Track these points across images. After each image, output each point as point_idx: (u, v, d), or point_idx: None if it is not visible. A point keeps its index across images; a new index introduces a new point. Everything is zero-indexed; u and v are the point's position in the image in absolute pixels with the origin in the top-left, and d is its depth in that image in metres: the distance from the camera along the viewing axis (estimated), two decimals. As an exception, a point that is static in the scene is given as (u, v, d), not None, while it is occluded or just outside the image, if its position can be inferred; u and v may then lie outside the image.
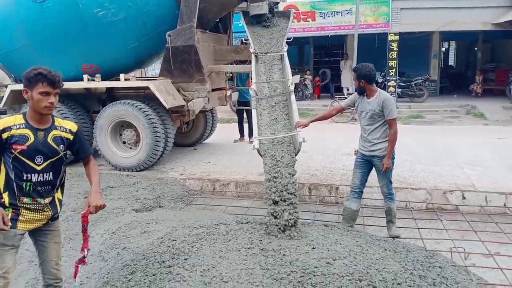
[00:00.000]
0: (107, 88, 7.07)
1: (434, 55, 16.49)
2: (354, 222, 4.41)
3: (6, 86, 7.33)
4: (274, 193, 3.85)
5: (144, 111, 6.44)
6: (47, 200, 2.51)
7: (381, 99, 4.01)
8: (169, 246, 3.43)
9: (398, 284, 2.86)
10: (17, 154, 2.36)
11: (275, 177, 3.97)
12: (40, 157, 2.43)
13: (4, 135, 2.34)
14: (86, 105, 7.45)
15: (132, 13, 6.36)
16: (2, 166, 2.42)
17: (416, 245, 3.98)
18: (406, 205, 5.29)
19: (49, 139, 2.46)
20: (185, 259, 3.18)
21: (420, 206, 5.30)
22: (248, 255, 3.20)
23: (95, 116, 7.05)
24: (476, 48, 17.42)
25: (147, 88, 6.38)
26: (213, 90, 7.24)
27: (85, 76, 6.70)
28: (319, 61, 19.67)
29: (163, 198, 5.47)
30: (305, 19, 15.29)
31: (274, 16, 6.71)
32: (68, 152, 2.60)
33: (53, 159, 2.49)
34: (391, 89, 14.58)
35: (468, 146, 7.79)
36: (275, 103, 5.08)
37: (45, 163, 2.45)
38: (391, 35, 14.38)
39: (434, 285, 2.97)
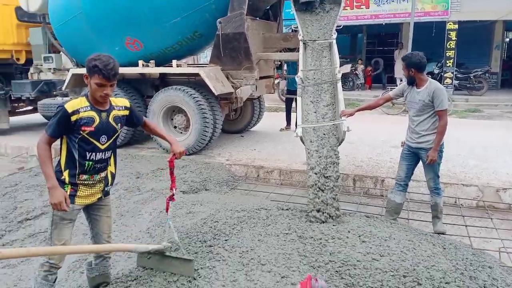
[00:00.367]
0: (160, 74, 7.35)
1: (496, 45, 15.52)
2: (398, 215, 4.34)
3: (68, 70, 7.81)
4: (315, 184, 3.88)
5: (194, 97, 6.63)
6: (102, 175, 2.68)
7: (432, 89, 3.88)
8: (211, 227, 3.57)
9: (446, 283, 2.76)
10: (85, 135, 2.51)
11: (316, 166, 3.98)
12: (104, 136, 2.59)
13: (73, 118, 2.46)
14: (141, 90, 7.77)
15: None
16: (65, 146, 2.57)
17: (463, 243, 3.86)
18: (455, 202, 5.11)
19: (110, 119, 2.62)
20: (226, 240, 3.30)
21: (470, 203, 5.10)
22: (287, 241, 3.27)
23: (148, 100, 7.36)
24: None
25: (197, 74, 6.56)
26: (261, 78, 7.30)
27: (140, 62, 6.99)
28: (372, 51, 19.15)
29: (209, 181, 5.65)
30: (359, 7, 14.90)
31: (325, 3, 6.62)
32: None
33: (113, 138, 2.68)
34: (448, 80, 13.93)
35: (528, 142, 7.34)
36: (321, 91, 5.06)
37: (108, 142, 2.63)
38: (449, 24, 13.67)
39: (484, 287, 2.85)
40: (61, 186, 2.53)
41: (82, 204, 2.66)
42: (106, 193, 2.79)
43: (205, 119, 6.62)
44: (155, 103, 7.00)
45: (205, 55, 15.57)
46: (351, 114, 4.34)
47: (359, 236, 3.37)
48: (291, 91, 8.74)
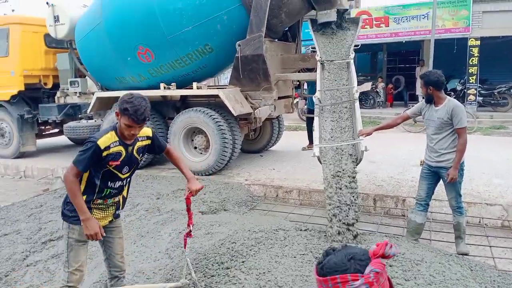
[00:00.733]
0: (181, 96, 7.51)
1: (520, 61, 15.20)
2: (419, 236, 4.25)
3: (93, 94, 8.08)
4: (331, 204, 3.86)
5: (214, 118, 6.74)
6: (116, 199, 2.76)
7: (450, 106, 3.84)
8: (228, 248, 3.59)
9: None
10: (111, 168, 2.58)
11: (334, 186, 3.97)
12: (127, 167, 2.67)
13: (104, 153, 2.52)
14: (162, 112, 7.94)
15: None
16: (86, 174, 2.59)
17: (487, 264, 3.74)
18: (479, 222, 4.97)
19: (134, 152, 2.69)
20: (243, 262, 3.31)
21: (495, 223, 4.95)
22: (304, 262, 3.25)
23: (170, 122, 7.51)
24: None
25: (217, 96, 6.68)
26: (280, 98, 7.37)
27: (162, 85, 7.17)
28: (393, 68, 19.06)
29: (228, 202, 5.68)
30: (378, 25, 14.91)
31: (343, 23, 6.69)
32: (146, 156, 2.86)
33: (134, 167, 2.76)
34: (471, 97, 13.69)
35: (557, 160, 7.10)
36: (339, 111, 5.07)
37: (129, 172, 2.72)
38: (471, 40, 13.52)
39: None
40: (74, 209, 2.59)
41: None
42: (117, 216, 2.85)
43: (225, 139, 6.70)
44: (176, 124, 7.13)
45: (226, 76, 15.83)
46: (368, 134, 4.33)
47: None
48: (312, 110, 8.76)
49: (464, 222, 4.08)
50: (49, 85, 9.25)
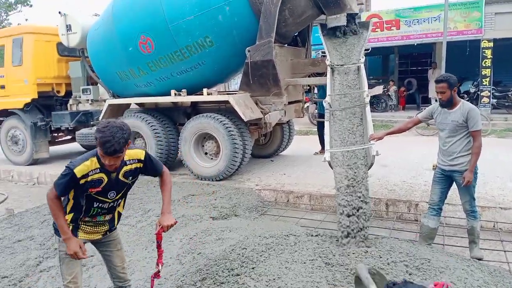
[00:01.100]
0: (191, 102, 7.55)
1: (534, 62, 14.97)
2: (432, 240, 4.19)
3: (105, 101, 8.17)
4: (343, 209, 3.82)
5: (224, 124, 6.75)
6: (107, 218, 2.71)
7: (466, 109, 3.80)
8: (239, 254, 3.57)
9: None
10: (92, 194, 2.52)
11: (344, 191, 3.94)
12: (113, 192, 2.60)
13: (82, 181, 2.45)
14: (173, 118, 7.99)
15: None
16: (72, 193, 2.55)
17: (503, 269, 3.66)
18: (494, 226, 4.88)
19: (120, 176, 2.58)
20: (253, 268, 3.29)
21: (510, 227, 4.85)
22: (314, 268, 3.22)
23: (180, 128, 7.55)
24: None
25: (227, 102, 6.69)
26: (290, 102, 7.36)
27: (172, 92, 7.22)
28: (405, 71, 18.91)
29: (239, 207, 5.67)
30: (389, 28, 14.83)
31: (353, 27, 6.65)
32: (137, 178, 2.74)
33: (123, 191, 2.68)
34: (485, 99, 13.51)
35: None
36: (349, 116, 5.03)
37: (118, 196, 2.65)
38: (484, 42, 13.36)
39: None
40: None
41: (85, 239, 2.69)
42: (111, 230, 2.81)
43: (235, 144, 6.71)
44: (187, 130, 7.17)
45: (236, 82, 15.88)
46: (380, 138, 4.29)
47: (406, 266, 3.22)
48: (322, 114, 8.73)
49: (478, 226, 4.02)
50: (62, 93, 9.38)
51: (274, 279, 3.08)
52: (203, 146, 7.31)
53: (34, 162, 9.41)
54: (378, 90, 12.55)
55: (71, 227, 2.60)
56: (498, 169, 6.58)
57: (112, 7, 7.47)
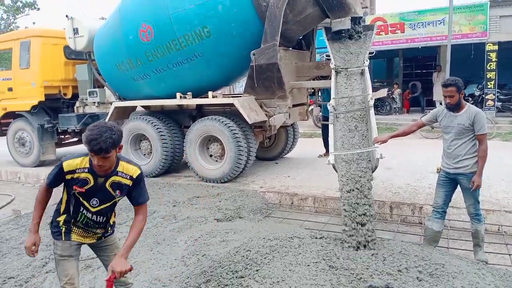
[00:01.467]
0: (197, 105, 7.60)
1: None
2: (437, 244, 4.20)
3: (111, 103, 8.24)
4: (347, 213, 3.85)
5: (229, 126, 6.79)
6: (98, 231, 2.72)
7: (472, 113, 3.82)
8: (243, 256, 3.60)
9: None
10: (76, 193, 2.53)
11: (348, 193, 3.96)
12: (96, 200, 2.54)
13: (68, 177, 2.48)
14: (179, 120, 8.05)
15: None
16: (65, 193, 2.61)
17: (509, 271, 3.67)
18: (498, 229, 4.88)
19: (106, 184, 2.51)
20: (257, 270, 3.31)
21: (515, 230, 4.85)
22: (318, 270, 3.24)
23: (186, 130, 7.60)
24: None
25: (232, 104, 6.74)
26: (294, 105, 7.38)
27: (178, 94, 7.27)
28: (410, 74, 18.88)
29: (243, 209, 5.70)
30: (394, 31, 14.83)
31: (357, 30, 6.68)
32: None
33: (108, 204, 2.60)
34: (490, 102, 13.48)
35: None
36: (354, 119, 5.06)
37: (100, 207, 2.58)
38: (489, 45, 13.33)
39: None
40: (57, 224, 2.65)
41: (79, 241, 2.69)
42: (106, 235, 2.80)
43: (240, 147, 6.75)
44: (192, 133, 7.21)
45: (241, 85, 15.94)
46: (384, 141, 4.30)
47: (420, 272, 3.20)
48: (327, 117, 8.75)
49: (482, 229, 4.02)
50: (69, 96, 9.46)
51: (278, 281, 3.10)
52: (208, 148, 7.35)
53: (41, 163, 9.49)
54: (382, 93, 12.54)
55: (63, 229, 2.64)
56: (503, 172, 6.58)
57: (119, 9, 7.56)
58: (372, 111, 4.94)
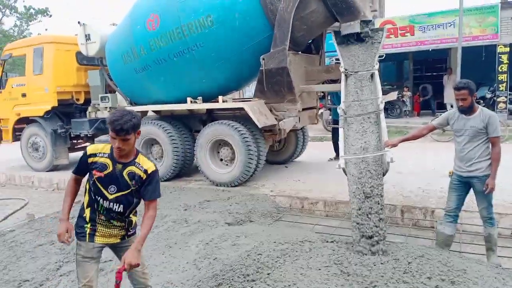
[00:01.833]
0: (207, 109, 7.66)
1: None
2: (449, 248, 4.17)
3: (122, 109, 8.32)
4: (358, 216, 3.85)
5: (239, 130, 6.83)
6: (119, 224, 2.77)
7: (486, 115, 3.82)
8: (254, 260, 3.62)
9: None
10: (95, 179, 2.63)
11: (359, 197, 3.96)
12: (113, 187, 2.64)
13: (90, 160, 2.64)
14: (189, 125, 8.11)
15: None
16: (88, 185, 2.72)
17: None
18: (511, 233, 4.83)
19: (124, 172, 2.63)
20: (268, 274, 3.32)
21: (528, 235, 4.80)
22: (330, 275, 3.24)
23: (196, 135, 7.65)
24: None
25: (242, 109, 6.78)
26: (304, 109, 7.40)
27: (188, 99, 7.33)
28: (420, 77, 18.77)
29: (254, 213, 5.72)
30: (403, 34, 14.78)
31: (367, 34, 6.67)
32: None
33: (124, 192, 2.66)
34: (502, 105, 13.35)
35: None
36: (364, 122, 5.05)
37: (117, 194, 2.64)
38: (500, 47, 13.22)
39: None
40: (82, 224, 2.71)
41: (103, 243, 2.75)
42: (129, 235, 2.86)
43: (250, 151, 6.77)
44: (202, 137, 7.26)
45: (250, 89, 15.99)
46: (394, 145, 4.30)
47: (443, 280, 3.15)
48: (337, 121, 8.74)
49: (495, 233, 3.99)
50: (81, 101, 9.59)
51: (289, 285, 3.11)
52: (218, 152, 7.39)
53: (54, 168, 9.62)
54: (392, 96, 12.55)
55: (88, 230, 2.71)
56: (516, 176, 6.50)
57: (130, 14, 7.68)
58: (382, 114, 4.93)
